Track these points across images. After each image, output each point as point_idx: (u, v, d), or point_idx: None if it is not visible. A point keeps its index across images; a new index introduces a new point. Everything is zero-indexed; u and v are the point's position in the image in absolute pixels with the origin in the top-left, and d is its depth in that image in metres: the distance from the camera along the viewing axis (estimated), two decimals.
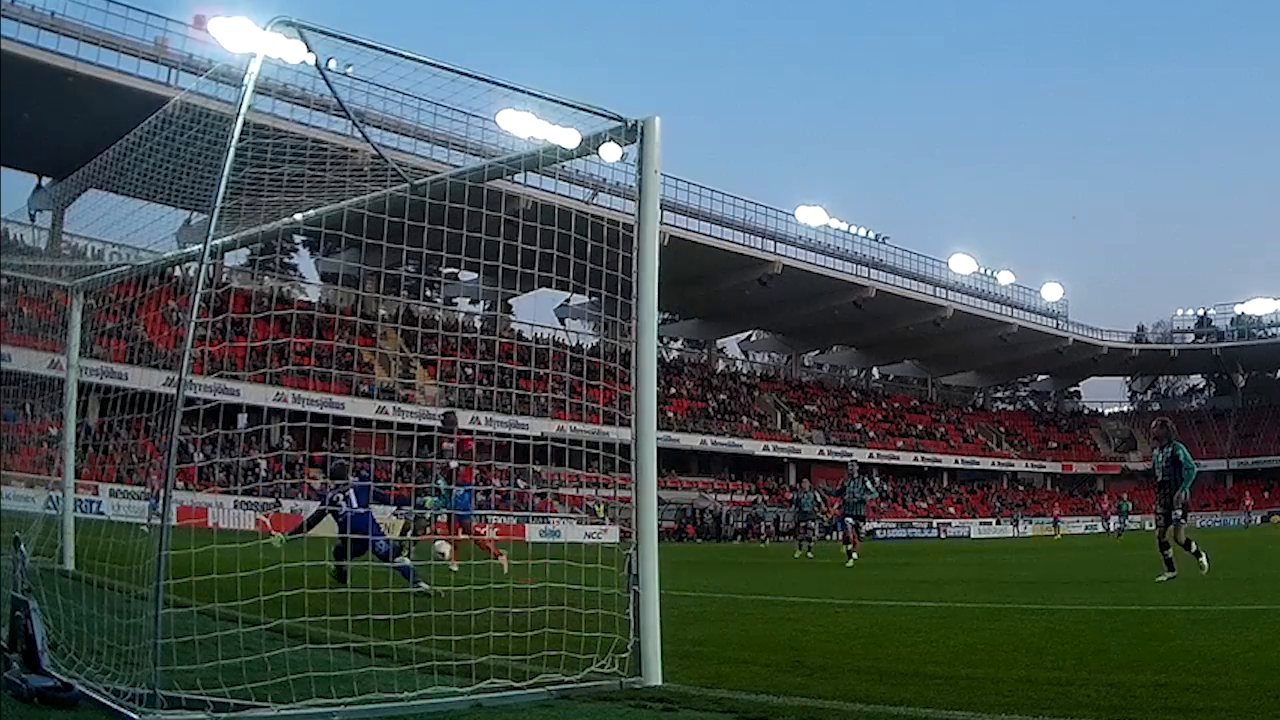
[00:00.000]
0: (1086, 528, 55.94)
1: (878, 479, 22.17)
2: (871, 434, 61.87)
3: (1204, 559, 11.47)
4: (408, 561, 9.26)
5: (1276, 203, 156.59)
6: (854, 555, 19.44)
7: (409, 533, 13.48)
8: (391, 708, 4.06)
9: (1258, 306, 68.97)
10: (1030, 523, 57.09)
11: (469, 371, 37.24)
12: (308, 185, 5.96)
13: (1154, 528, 11.97)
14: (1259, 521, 54.85)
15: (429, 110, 38.75)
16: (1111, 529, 45.94)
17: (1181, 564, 11.23)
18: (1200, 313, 73.46)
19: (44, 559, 8.56)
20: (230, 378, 27.68)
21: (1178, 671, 4.92)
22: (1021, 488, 68.92)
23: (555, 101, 4.97)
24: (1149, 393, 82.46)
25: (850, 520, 20.44)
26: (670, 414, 50.33)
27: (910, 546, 36.72)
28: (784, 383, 65.05)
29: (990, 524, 57.60)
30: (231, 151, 4.18)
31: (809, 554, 22.89)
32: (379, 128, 36.86)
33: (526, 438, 6.05)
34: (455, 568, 10.51)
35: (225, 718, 3.74)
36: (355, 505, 9.38)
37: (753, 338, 70.84)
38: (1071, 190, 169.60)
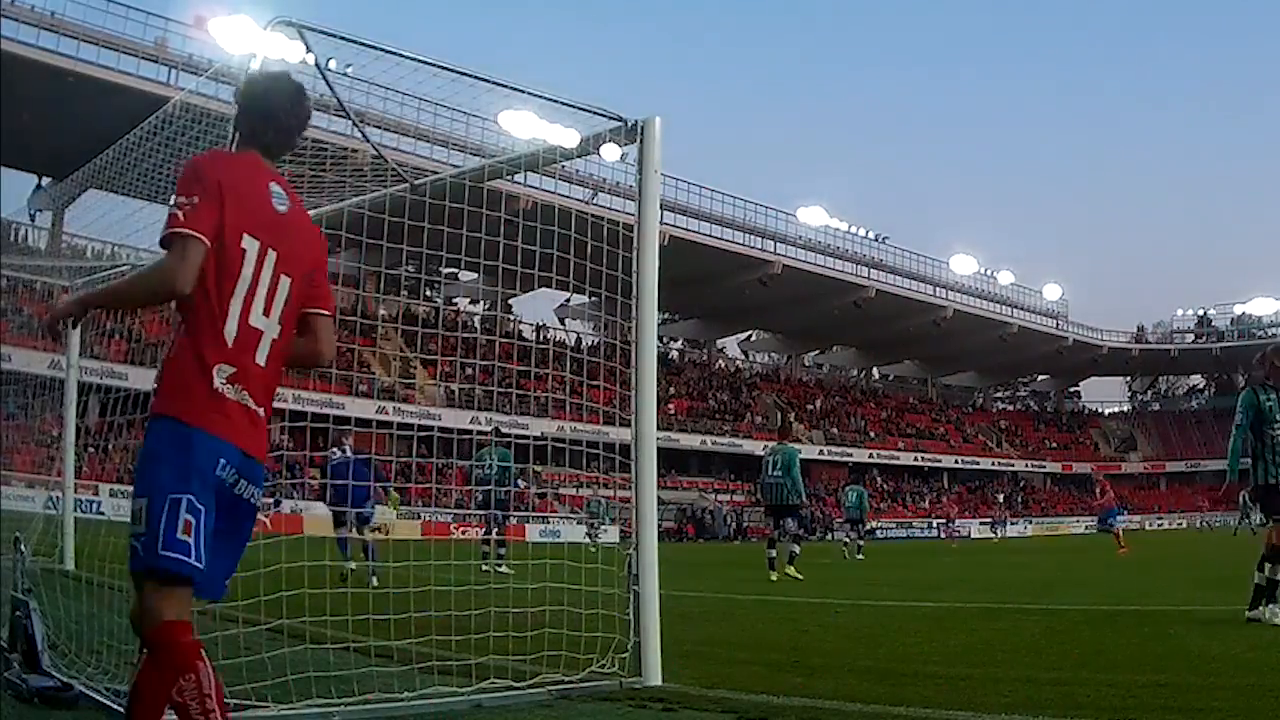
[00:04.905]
0: (1086, 528, 55.83)
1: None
2: (871, 434, 61.86)
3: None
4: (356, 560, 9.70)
5: (1277, 203, 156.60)
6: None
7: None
8: (391, 708, 4.06)
9: (1258, 306, 68.91)
10: (1030, 523, 56.96)
11: (469, 371, 37.19)
12: (308, 185, 5.96)
13: (1257, 526, 7.32)
14: (1259, 522, 54.74)
15: (429, 110, 38.72)
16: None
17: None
18: (1200, 313, 73.46)
19: (44, 559, 8.56)
20: None
21: (1178, 671, 4.92)
22: (1022, 487, 68.91)
23: (555, 101, 4.98)
24: (1149, 393, 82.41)
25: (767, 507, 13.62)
26: (670, 414, 50.29)
27: (910, 546, 36.72)
28: (784, 383, 65.03)
29: (989, 524, 57.54)
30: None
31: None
32: (379, 128, 36.75)
33: (527, 438, 6.06)
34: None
35: None
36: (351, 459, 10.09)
37: (753, 338, 70.80)
38: (1072, 190, 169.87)
